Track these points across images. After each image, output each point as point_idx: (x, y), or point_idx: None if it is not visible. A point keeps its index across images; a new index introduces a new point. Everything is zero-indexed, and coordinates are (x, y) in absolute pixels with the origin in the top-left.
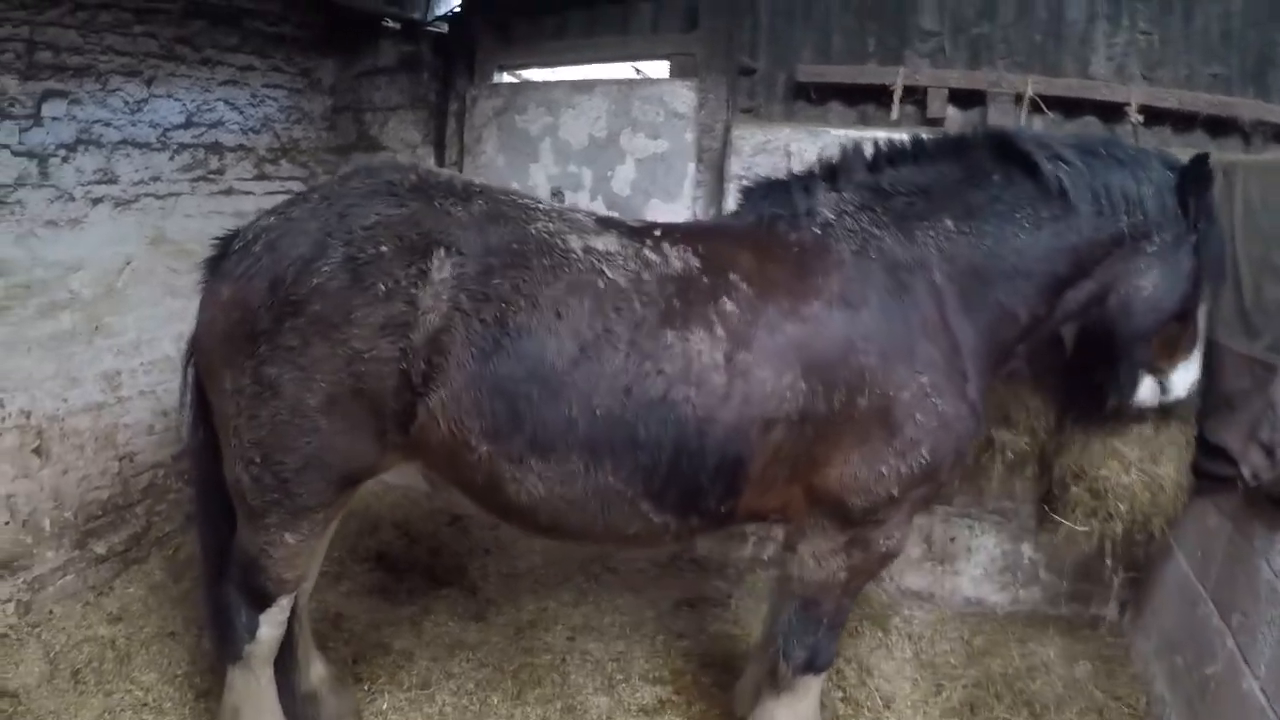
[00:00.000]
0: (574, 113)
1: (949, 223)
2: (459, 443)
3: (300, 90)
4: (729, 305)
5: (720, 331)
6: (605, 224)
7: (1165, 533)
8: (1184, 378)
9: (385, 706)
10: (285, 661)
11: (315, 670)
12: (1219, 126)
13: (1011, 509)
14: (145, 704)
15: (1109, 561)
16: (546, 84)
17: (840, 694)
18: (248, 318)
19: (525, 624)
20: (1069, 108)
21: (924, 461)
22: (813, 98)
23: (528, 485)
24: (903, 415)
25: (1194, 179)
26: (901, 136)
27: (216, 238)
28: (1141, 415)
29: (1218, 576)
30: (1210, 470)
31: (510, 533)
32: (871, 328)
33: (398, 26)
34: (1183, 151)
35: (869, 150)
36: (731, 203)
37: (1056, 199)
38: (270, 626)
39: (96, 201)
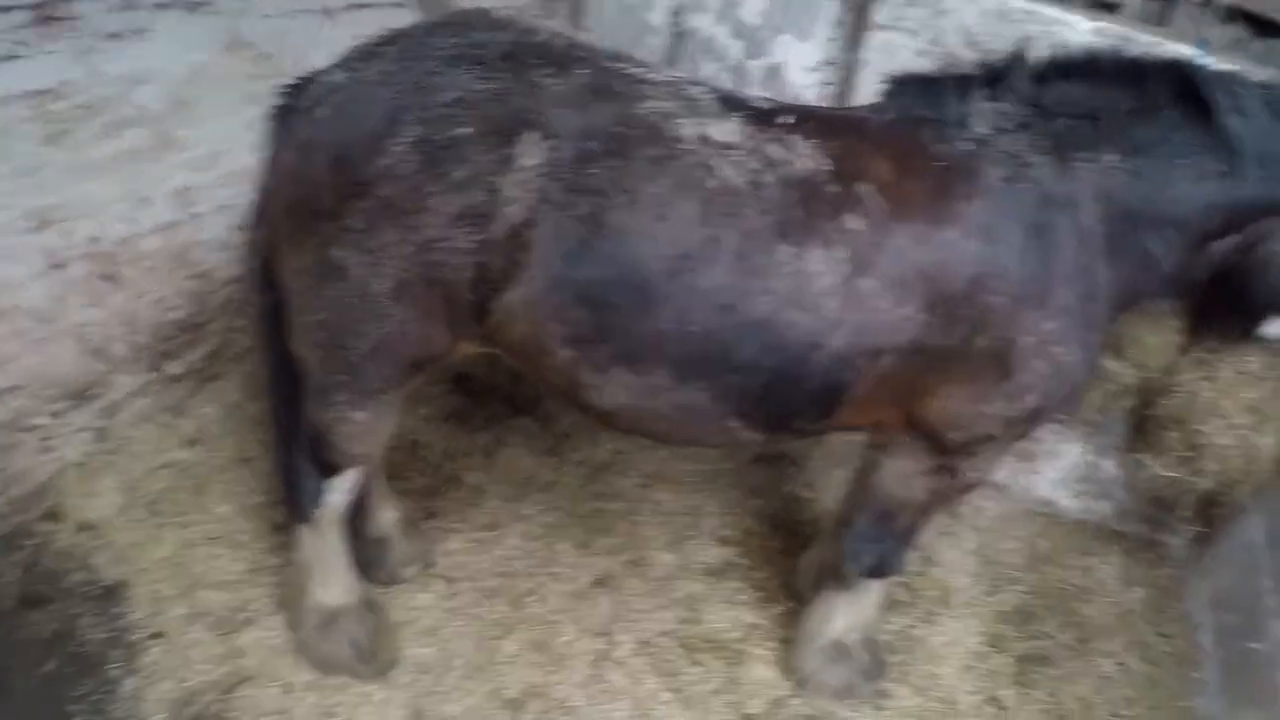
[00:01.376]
0: None
1: (1111, 157)
2: (537, 346)
3: None
4: (855, 222)
5: (841, 253)
6: (729, 105)
7: (1248, 501)
8: None
9: (455, 547)
10: (356, 511)
11: (387, 515)
12: None
13: (1102, 422)
14: (220, 538)
15: (1183, 513)
16: None
17: (900, 580)
18: (311, 194)
19: (600, 465)
20: (1261, 27)
21: (1031, 408)
22: None
23: (608, 393)
24: (1020, 361)
25: None
26: (1077, 48)
27: (287, 85)
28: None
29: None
30: None
31: None
32: (1009, 266)
33: None
34: None
35: (1037, 58)
36: (871, 53)
37: (1227, 154)
38: (339, 494)
39: (163, 7)
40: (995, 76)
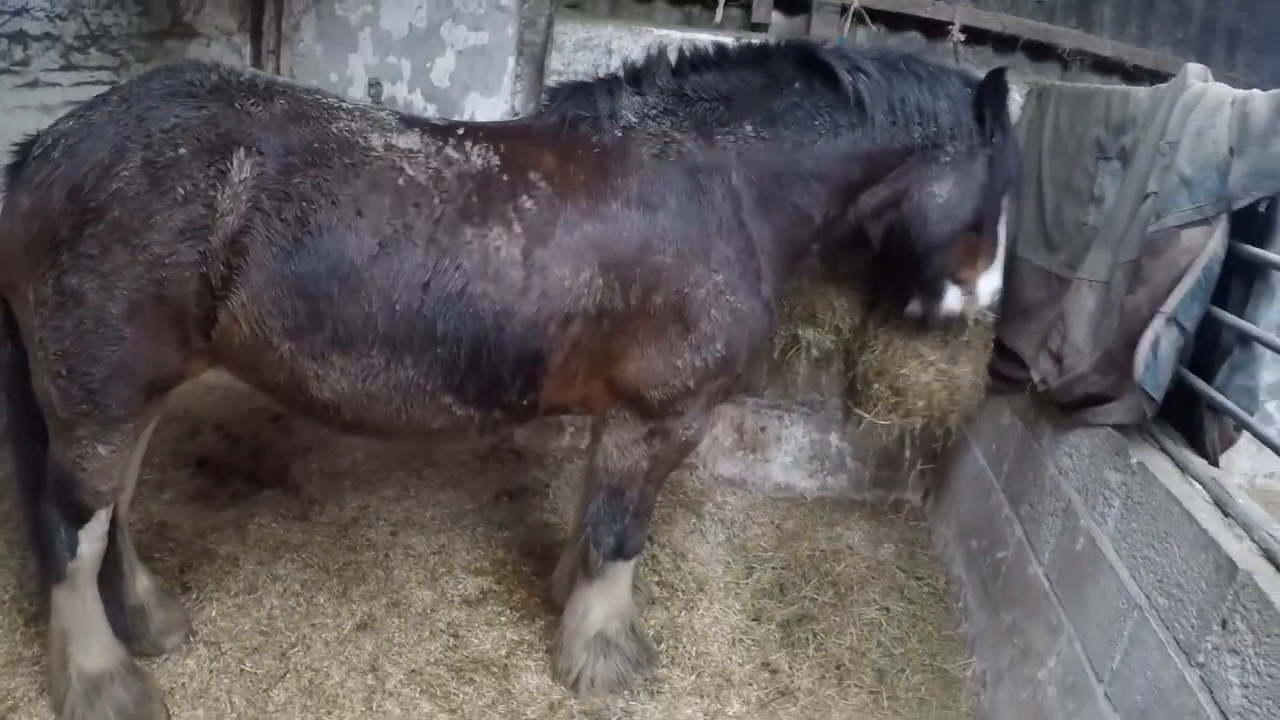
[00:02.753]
0: (394, 2)
1: (748, 128)
2: (261, 343)
3: None
4: (528, 203)
5: (518, 228)
6: (408, 123)
7: (962, 428)
8: (988, 286)
9: (214, 614)
10: (110, 577)
11: (141, 583)
12: (1040, 51)
13: (819, 401)
14: None
15: (908, 454)
16: None
17: (656, 578)
18: (47, 227)
19: (348, 521)
20: (893, 22)
21: (719, 355)
22: None
23: (330, 382)
24: (697, 311)
25: (990, 92)
26: (707, 43)
27: (15, 144)
28: (951, 325)
29: (1009, 470)
30: (1005, 373)
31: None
32: (668, 228)
33: None
34: None
35: (673, 56)
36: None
37: (854, 108)
38: (90, 542)
39: None
40: (638, 76)
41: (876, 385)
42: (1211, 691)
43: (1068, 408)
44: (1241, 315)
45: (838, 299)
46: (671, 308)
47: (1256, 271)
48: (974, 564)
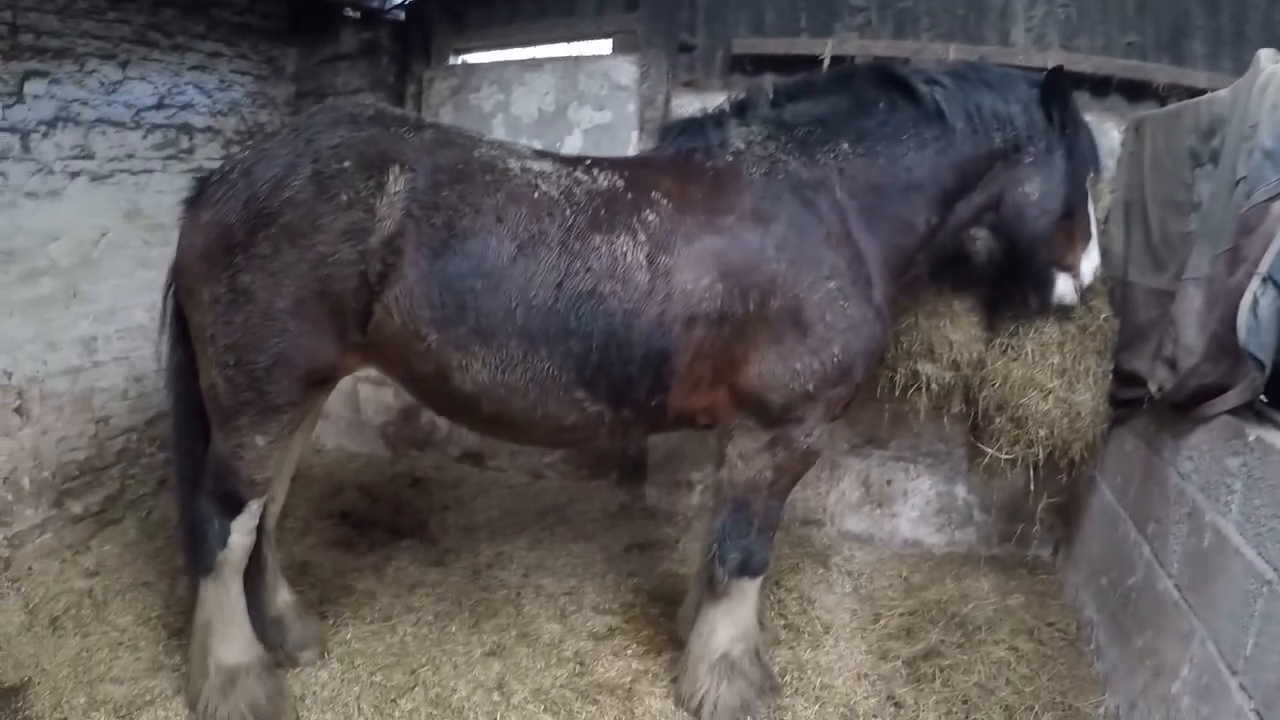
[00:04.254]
0: (524, 89)
1: (845, 146)
2: (411, 334)
3: (265, 77)
4: (651, 216)
5: (642, 237)
6: (541, 153)
7: (1085, 459)
8: (1089, 265)
9: (349, 637)
10: (254, 583)
11: (282, 596)
12: (1135, 90)
13: (945, 451)
14: (121, 643)
15: (1032, 487)
16: (498, 63)
17: (783, 621)
18: (225, 234)
19: (482, 566)
20: None
21: (836, 359)
22: (748, 69)
23: (472, 372)
24: (813, 316)
25: (1052, 89)
26: (797, 76)
27: (196, 178)
28: (1066, 312)
29: (1135, 494)
30: (1125, 396)
31: (469, 489)
32: (781, 238)
33: (358, 15)
34: (1101, 115)
35: (769, 90)
36: None
37: (936, 120)
38: (241, 534)
39: (74, 175)
40: (742, 108)
41: (998, 419)
42: None
43: (1184, 406)
44: None
45: (954, 333)
46: (788, 313)
47: None
48: (1105, 600)
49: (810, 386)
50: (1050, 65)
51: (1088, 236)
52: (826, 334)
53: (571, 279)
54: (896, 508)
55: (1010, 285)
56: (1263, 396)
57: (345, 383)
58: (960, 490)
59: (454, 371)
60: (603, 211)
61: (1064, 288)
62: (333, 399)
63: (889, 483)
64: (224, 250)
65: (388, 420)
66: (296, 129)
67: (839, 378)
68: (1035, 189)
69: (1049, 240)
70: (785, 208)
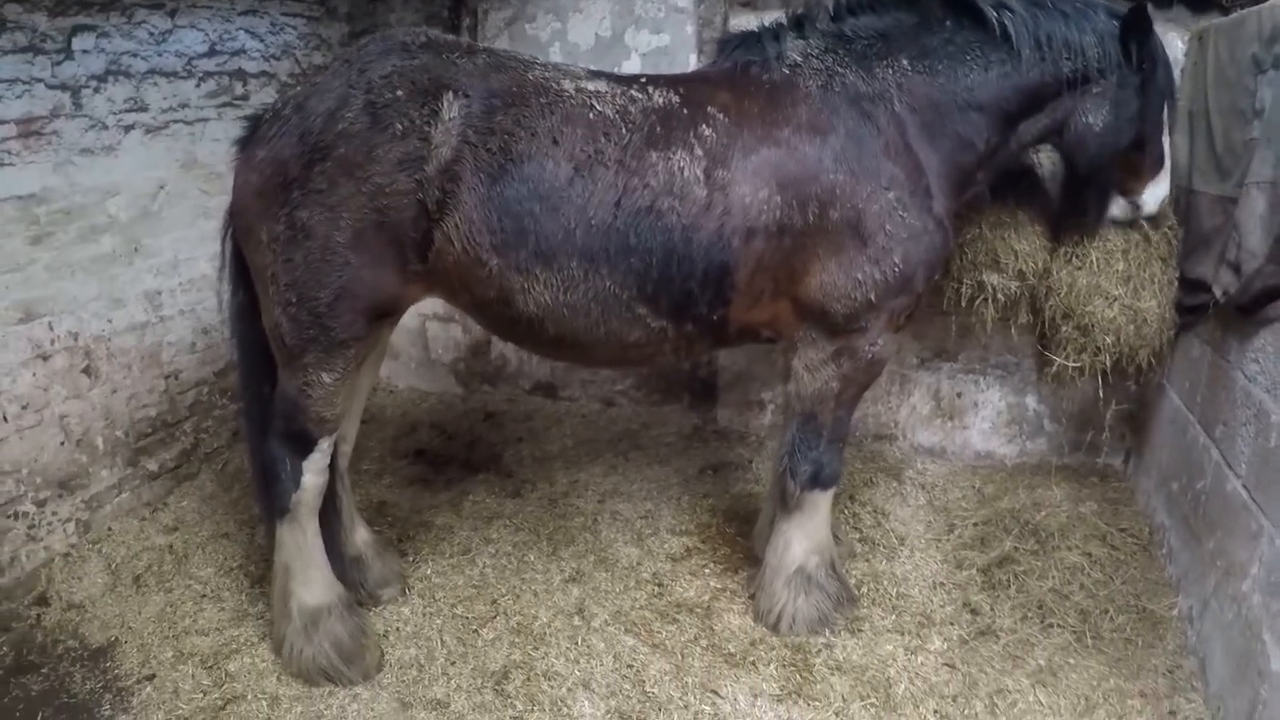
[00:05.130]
0: (580, 16)
1: (905, 62)
2: (472, 260)
3: (318, 18)
4: (707, 130)
5: (699, 152)
6: (596, 73)
7: (1153, 366)
8: (1155, 194)
9: (429, 572)
10: (331, 524)
11: (360, 535)
12: (1198, 1)
13: (1014, 362)
14: (204, 595)
15: (1101, 395)
16: None
17: (857, 534)
18: (280, 170)
19: (558, 494)
20: None
21: (897, 269)
22: None
23: (534, 294)
24: (873, 226)
25: (1134, 25)
26: None
27: (246, 118)
28: (1122, 226)
29: (1202, 400)
30: (1190, 302)
31: (542, 420)
32: (839, 150)
33: None
34: (1165, 27)
35: (830, 3)
36: None
37: (1002, 44)
38: (313, 474)
39: (129, 129)
40: (800, 22)
41: (1064, 328)
42: None
43: (1250, 310)
44: None
45: (1018, 243)
46: (848, 223)
47: None
48: (1175, 505)
49: (872, 296)
50: None
51: (1158, 167)
52: (887, 243)
53: (629, 197)
54: (968, 420)
55: (1071, 210)
56: None
57: (413, 321)
58: (1030, 401)
59: (517, 295)
60: (659, 128)
61: (1120, 210)
62: (402, 338)
63: (959, 395)
64: (280, 187)
65: (458, 357)
66: (349, 60)
67: (901, 287)
68: (1101, 120)
69: (1111, 169)
70: (843, 119)
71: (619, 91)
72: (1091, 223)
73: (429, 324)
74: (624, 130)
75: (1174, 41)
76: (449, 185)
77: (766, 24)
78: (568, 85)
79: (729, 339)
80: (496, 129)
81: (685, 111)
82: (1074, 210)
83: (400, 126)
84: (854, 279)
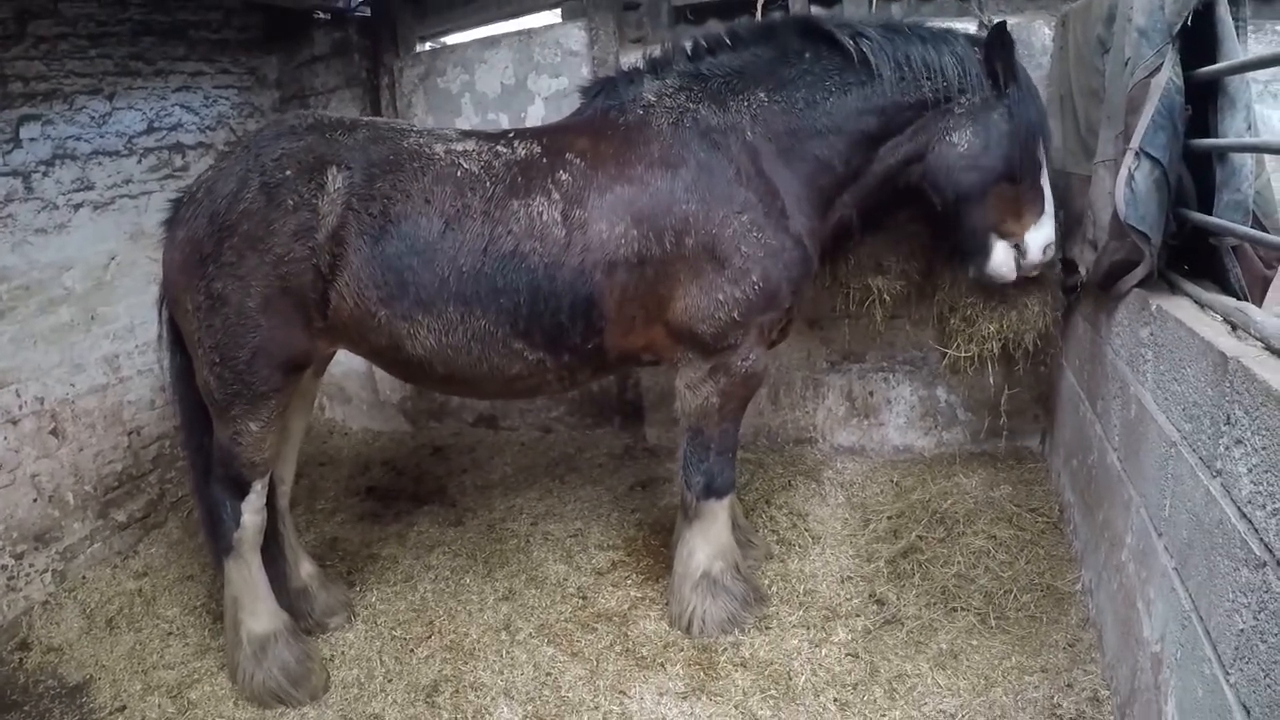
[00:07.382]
0: (486, 67)
1: (762, 94)
2: (364, 313)
3: (249, 87)
4: (564, 175)
5: (556, 196)
6: (467, 134)
7: (1040, 347)
8: (1037, 239)
9: (374, 599)
10: (275, 559)
11: (305, 568)
12: None
13: (920, 357)
14: (170, 633)
15: (992, 380)
16: (460, 45)
17: (774, 537)
18: (197, 247)
19: (496, 520)
20: None
21: (757, 286)
22: (690, 18)
23: (420, 338)
24: (729, 249)
25: (995, 45)
26: (720, 29)
27: (169, 200)
28: (1004, 290)
29: (1086, 375)
30: (1070, 283)
31: (485, 451)
32: (690, 181)
33: (328, 16)
34: (1033, 15)
35: (689, 44)
36: None
37: (860, 67)
38: (251, 513)
39: (78, 207)
40: (656, 64)
41: (952, 321)
42: (1230, 493)
43: (1105, 285)
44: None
45: (900, 246)
46: (704, 248)
47: (1217, 89)
48: (1076, 481)
49: (735, 314)
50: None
51: (1039, 208)
52: (744, 264)
53: (494, 243)
54: (883, 416)
55: (949, 242)
56: (1185, 266)
57: (361, 365)
58: (941, 392)
59: (405, 340)
60: (519, 178)
61: (1002, 259)
62: (352, 382)
63: (871, 394)
64: (198, 262)
65: (405, 396)
66: (246, 145)
67: (765, 303)
68: (965, 140)
69: (981, 199)
70: (693, 152)
71: (486, 148)
72: (973, 271)
73: (376, 367)
74: (488, 183)
75: (1041, 29)
76: (337, 249)
77: (624, 69)
78: (439, 148)
79: (610, 366)
80: (376, 195)
81: (545, 160)
82: (957, 243)
83: (291, 202)
84: (715, 300)
